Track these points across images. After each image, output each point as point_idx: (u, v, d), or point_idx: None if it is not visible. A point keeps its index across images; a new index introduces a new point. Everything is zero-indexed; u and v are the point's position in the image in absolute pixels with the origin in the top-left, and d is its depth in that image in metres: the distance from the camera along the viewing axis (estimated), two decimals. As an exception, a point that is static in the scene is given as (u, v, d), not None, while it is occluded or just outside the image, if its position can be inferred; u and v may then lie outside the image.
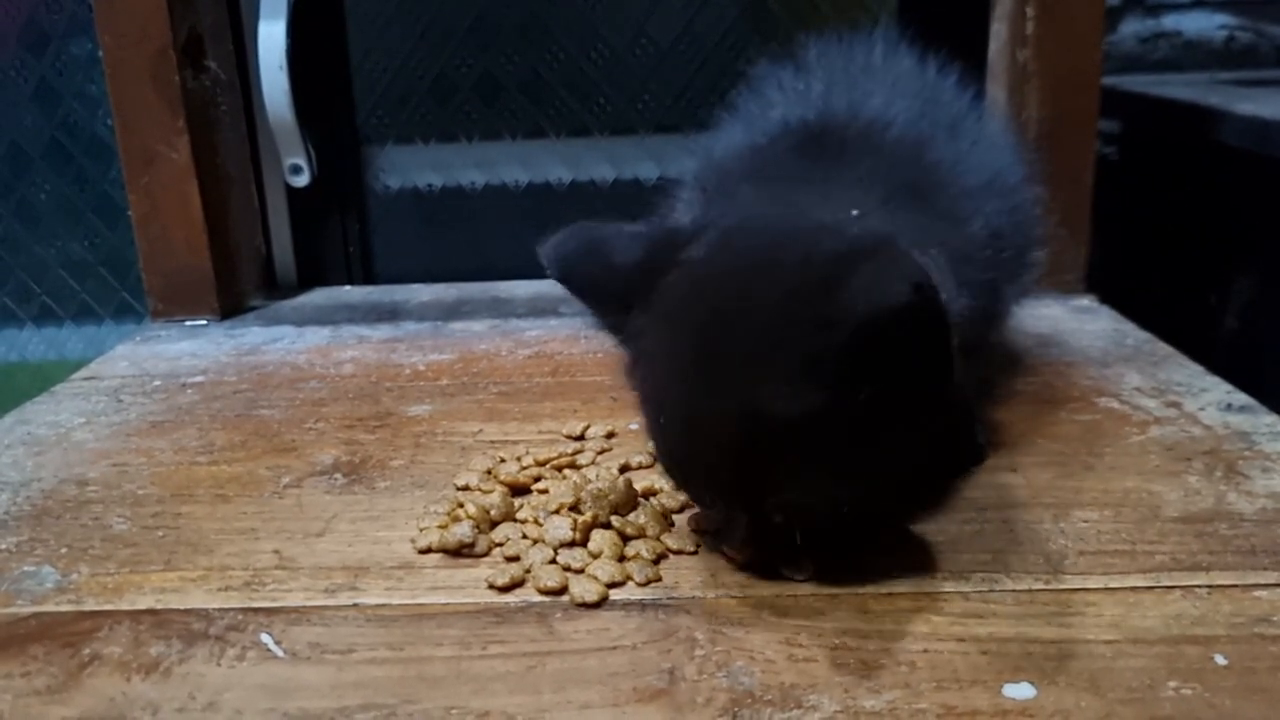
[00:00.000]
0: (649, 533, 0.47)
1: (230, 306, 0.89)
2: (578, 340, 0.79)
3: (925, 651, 0.39)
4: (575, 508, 0.49)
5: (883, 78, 0.56)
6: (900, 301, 0.36)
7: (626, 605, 0.43)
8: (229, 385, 0.71)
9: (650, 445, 0.48)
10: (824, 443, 0.39)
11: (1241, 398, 0.62)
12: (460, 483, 0.54)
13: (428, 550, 0.47)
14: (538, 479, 0.53)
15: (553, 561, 0.45)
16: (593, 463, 0.56)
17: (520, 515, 0.50)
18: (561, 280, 0.47)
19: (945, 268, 0.43)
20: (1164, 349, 0.72)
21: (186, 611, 0.43)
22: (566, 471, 0.55)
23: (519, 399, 0.67)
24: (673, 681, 0.37)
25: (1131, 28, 1.16)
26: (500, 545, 0.47)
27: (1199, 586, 0.43)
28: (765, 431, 0.39)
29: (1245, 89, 0.99)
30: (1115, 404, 0.62)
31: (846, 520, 0.42)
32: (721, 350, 0.40)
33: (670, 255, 0.44)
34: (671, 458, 0.44)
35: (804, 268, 0.40)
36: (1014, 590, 0.43)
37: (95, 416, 0.66)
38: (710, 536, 0.47)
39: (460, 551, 0.47)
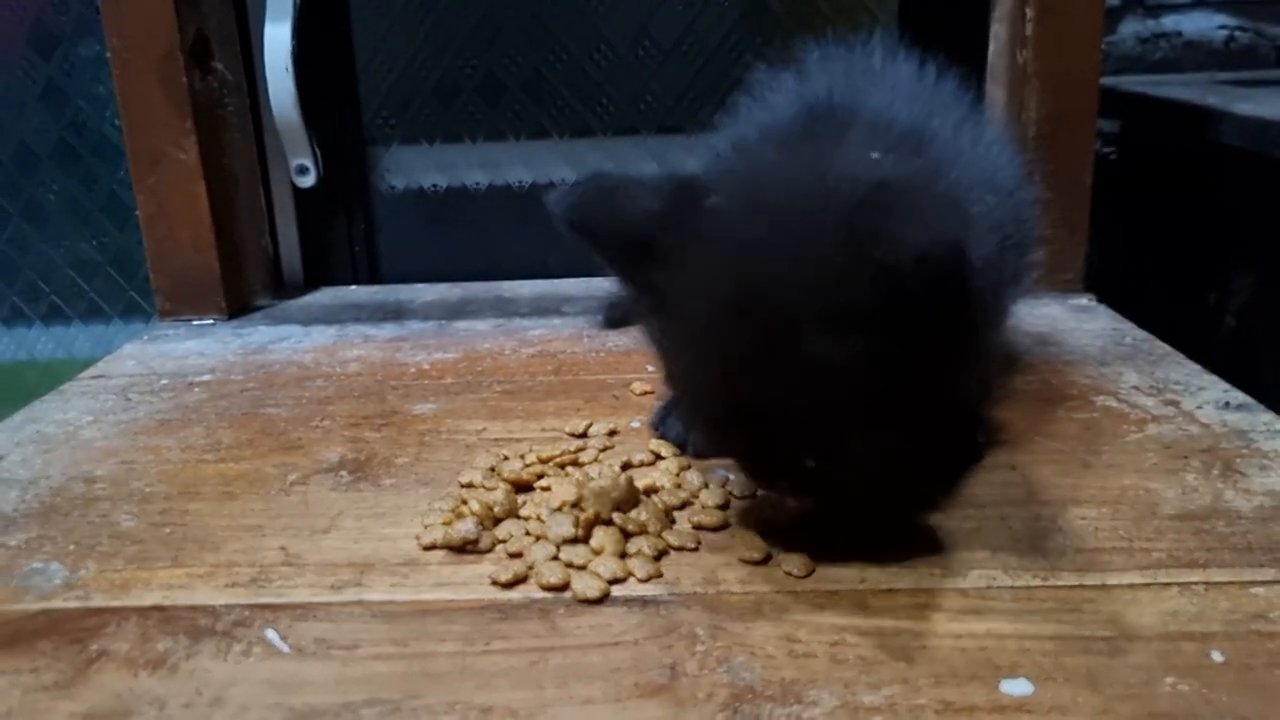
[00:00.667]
0: (650, 529, 0.48)
1: (237, 306, 0.89)
2: (580, 339, 0.79)
3: (924, 648, 0.39)
4: (578, 505, 0.49)
5: (882, 81, 0.57)
6: (946, 238, 0.36)
7: (628, 601, 0.43)
8: (236, 384, 0.72)
9: (666, 407, 0.51)
10: (867, 388, 0.39)
11: (1239, 396, 0.62)
12: (464, 480, 0.54)
13: (432, 547, 0.47)
14: (541, 476, 0.53)
15: (555, 558, 0.46)
16: (595, 460, 0.56)
17: (523, 512, 0.50)
18: (574, 230, 0.46)
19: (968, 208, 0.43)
20: (1162, 348, 0.72)
21: (193, 608, 0.44)
22: (569, 469, 0.55)
23: (522, 397, 0.67)
24: (674, 677, 0.38)
25: (1131, 28, 1.16)
26: (503, 542, 0.48)
27: (1196, 583, 0.43)
28: (811, 378, 0.39)
29: (1245, 89, 0.99)
30: (1113, 402, 0.63)
31: (877, 473, 0.43)
32: (762, 297, 0.40)
33: (690, 205, 0.44)
34: (700, 405, 0.44)
35: (840, 211, 0.39)
36: (1012, 587, 0.43)
37: (103, 415, 0.66)
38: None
39: (464, 548, 0.47)
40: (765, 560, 0.45)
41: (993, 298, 0.50)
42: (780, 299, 0.39)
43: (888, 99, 0.53)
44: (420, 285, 0.98)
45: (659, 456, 0.56)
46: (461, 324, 0.84)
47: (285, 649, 0.40)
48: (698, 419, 0.45)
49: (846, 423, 0.41)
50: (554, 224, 0.46)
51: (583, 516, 0.47)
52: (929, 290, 0.37)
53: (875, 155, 0.43)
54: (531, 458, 0.55)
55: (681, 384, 0.45)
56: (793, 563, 0.45)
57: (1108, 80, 0.85)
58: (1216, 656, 0.38)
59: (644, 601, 0.43)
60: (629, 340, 0.76)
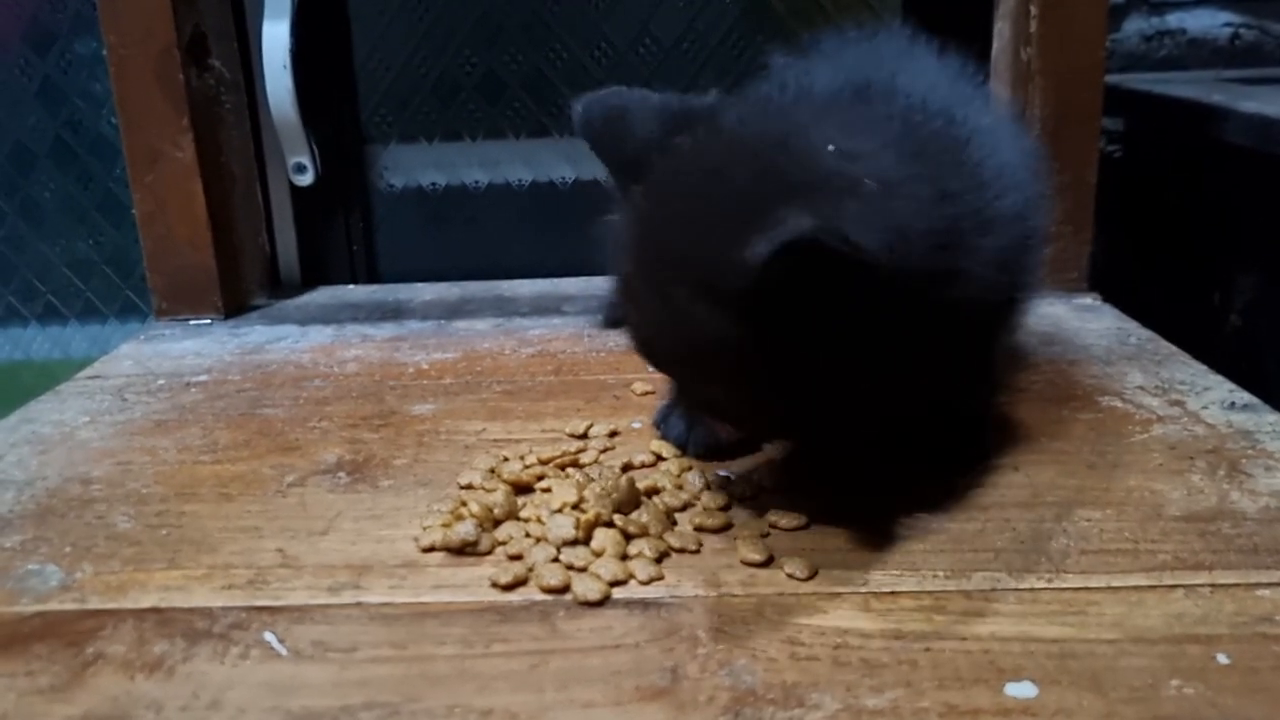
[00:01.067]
0: (651, 531, 0.47)
1: (234, 305, 0.89)
2: (581, 339, 0.79)
3: (927, 650, 0.39)
4: (578, 506, 0.49)
5: (901, 69, 0.56)
6: (795, 240, 0.37)
7: (629, 604, 0.43)
8: (233, 384, 0.71)
9: (667, 407, 0.54)
10: (726, 359, 0.43)
11: (1245, 396, 0.62)
12: (463, 481, 0.54)
13: (431, 549, 0.47)
14: (541, 478, 0.53)
15: (555, 560, 0.45)
16: (596, 461, 0.56)
17: (523, 514, 0.50)
18: (586, 140, 0.50)
19: (889, 208, 0.42)
20: (1167, 347, 0.72)
21: (190, 610, 0.43)
22: (569, 470, 0.55)
23: (522, 398, 0.67)
24: (675, 680, 0.38)
25: (1135, 25, 1.16)
26: (503, 544, 0.47)
27: (1202, 585, 0.43)
28: (675, 332, 0.44)
29: (1249, 87, 0.99)
30: (1118, 403, 0.62)
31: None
32: (659, 246, 0.44)
33: (673, 135, 0.47)
34: (627, 319, 0.48)
35: (737, 193, 0.42)
36: (1016, 589, 0.43)
37: (99, 415, 0.66)
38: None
39: (463, 550, 0.47)
40: (767, 562, 0.45)
41: (961, 294, 0.49)
42: (674, 253, 0.43)
43: (906, 85, 0.53)
44: (419, 284, 0.98)
45: (660, 458, 0.56)
46: (461, 324, 0.84)
47: (283, 651, 0.40)
48: (629, 338, 0.49)
49: (718, 379, 0.45)
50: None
51: (583, 518, 0.47)
52: (792, 280, 0.39)
53: (831, 148, 0.43)
54: (531, 459, 0.55)
55: (619, 299, 0.49)
56: (795, 565, 0.44)
57: (1112, 78, 0.84)
58: (1222, 659, 0.38)
59: (645, 604, 0.43)
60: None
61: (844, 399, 0.45)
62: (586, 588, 0.43)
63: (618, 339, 0.77)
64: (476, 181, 1.01)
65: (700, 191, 0.44)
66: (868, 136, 0.45)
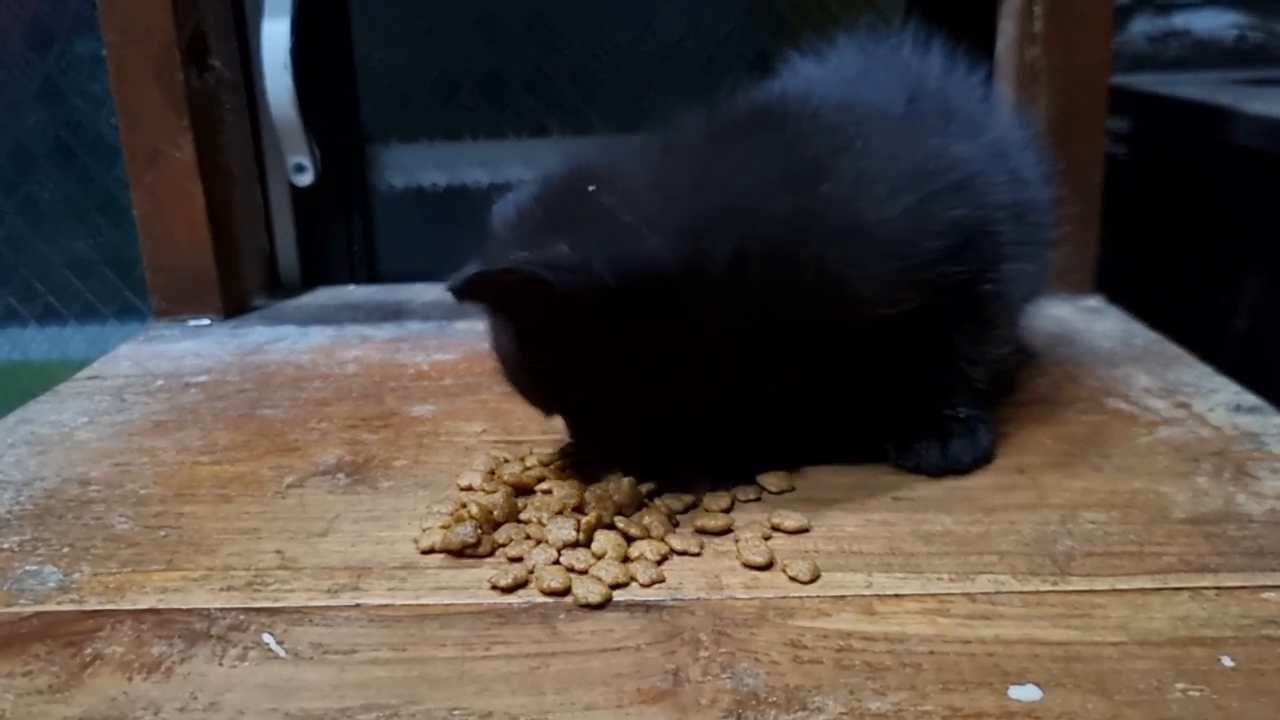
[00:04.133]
0: (653, 533, 0.47)
1: (233, 306, 0.88)
2: (582, 339, 0.78)
3: (931, 653, 0.39)
4: (579, 508, 0.49)
5: (904, 72, 0.56)
6: (492, 273, 0.46)
7: (630, 606, 0.42)
8: (232, 385, 0.71)
9: None
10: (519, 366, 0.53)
11: (1250, 399, 0.62)
12: (463, 483, 0.54)
13: (430, 551, 0.47)
14: (541, 479, 0.53)
15: (556, 562, 0.45)
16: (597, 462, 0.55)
17: (523, 516, 0.49)
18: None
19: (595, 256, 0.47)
20: (1173, 349, 0.72)
21: (188, 611, 0.43)
22: (570, 472, 0.54)
23: (523, 399, 0.66)
24: (677, 683, 0.37)
25: (1141, 26, 1.16)
26: (503, 546, 0.47)
27: (1207, 588, 0.43)
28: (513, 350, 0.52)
29: (1256, 88, 0.99)
30: (1123, 404, 0.62)
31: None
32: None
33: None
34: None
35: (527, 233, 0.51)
36: (1021, 592, 0.43)
37: (98, 416, 0.66)
38: None
39: (463, 552, 0.47)
40: (770, 565, 0.45)
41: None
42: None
43: (893, 89, 0.54)
44: (419, 285, 0.97)
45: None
46: (461, 324, 0.84)
47: (281, 653, 0.40)
48: None
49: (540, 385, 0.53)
50: None
51: (584, 520, 0.47)
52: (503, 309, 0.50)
53: (591, 188, 0.50)
54: (532, 460, 0.55)
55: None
56: (798, 567, 0.44)
57: (1118, 79, 0.84)
58: (1227, 662, 0.38)
59: (646, 606, 0.42)
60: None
61: (653, 396, 0.50)
62: (587, 590, 0.43)
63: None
64: (477, 181, 1.01)
65: (517, 227, 0.53)
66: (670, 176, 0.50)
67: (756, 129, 0.52)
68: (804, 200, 0.48)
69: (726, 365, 0.49)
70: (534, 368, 0.52)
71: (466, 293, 0.47)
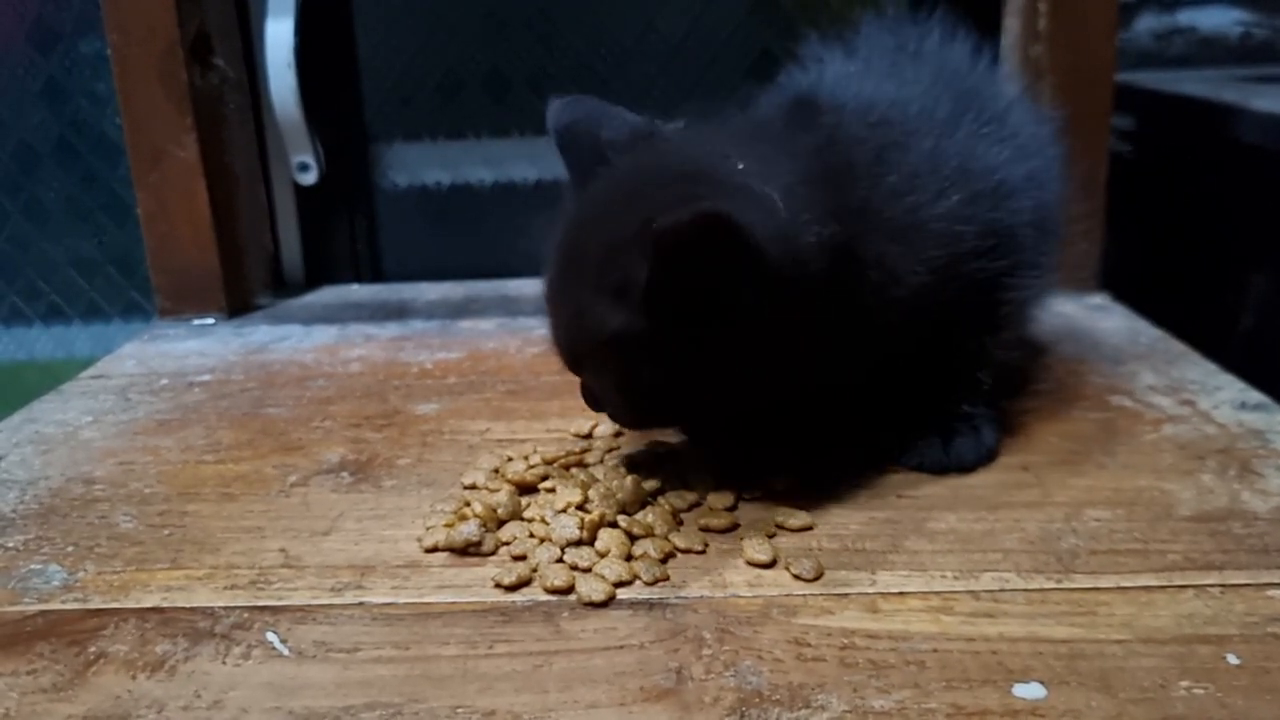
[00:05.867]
0: (656, 532, 0.47)
1: (238, 305, 0.88)
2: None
3: (935, 651, 0.39)
4: (582, 507, 0.49)
5: (925, 65, 0.56)
6: (686, 226, 0.40)
7: (634, 604, 0.42)
8: (236, 384, 0.71)
9: None
10: (627, 355, 0.46)
11: (1256, 396, 0.62)
12: (467, 481, 0.54)
13: (434, 549, 0.47)
14: (545, 478, 0.53)
15: (560, 560, 0.45)
16: (600, 461, 0.55)
17: (527, 514, 0.49)
18: (556, 138, 0.53)
19: (798, 220, 0.45)
20: (1178, 347, 0.72)
21: (192, 610, 0.43)
22: (574, 470, 0.54)
23: (527, 397, 0.66)
24: (680, 681, 0.37)
25: (1146, 23, 1.15)
26: (507, 544, 0.47)
27: (1212, 586, 0.42)
28: (587, 335, 0.46)
29: (1261, 85, 0.98)
30: (1129, 402, 0.62)
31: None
32: (579, 252, 0.47)
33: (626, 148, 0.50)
34: (546, 320, 0.50)
35: (646, 200, 0.45)
36: (1025, 589, 0.43)
37: (103, 415, 0.66)
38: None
39: (467, 550, 0.47)
40: (773, 563, 0.45)
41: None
42: (585, 254, 0.46)
43: (917, 87, 0.54)
44: (423, 284, 0.97)
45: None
46: (465, 323, 0.84)
47: (285, 652, 0.40)
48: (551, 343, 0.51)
49: (602, 377, 0.49)
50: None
51: (588, 518, 0.47)
52: (691, 278, 0.42)
53: (740, 165, 0.46)
54: (536, 459, 0.55)
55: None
56: (802, 565, 0.44)
57: (1122, 76, 0.84)
58: (1232, 660, 0.38)
59: (650, 604, 0.42)
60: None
61: (734, 390, 0.48)
62: (591, 588, 0.43)
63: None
64: (481, 180, 1.01)
65: (616, 199, 0.47)
66: (777, 159, 0.47)
67: (811, 124, 0.51)
68: (869, 194, 0.48)
69: (804, 359, 0.48)
70: (675, 355, 0.46)
71: (686, 236, 0.41)
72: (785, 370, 0.48)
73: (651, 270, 0.42)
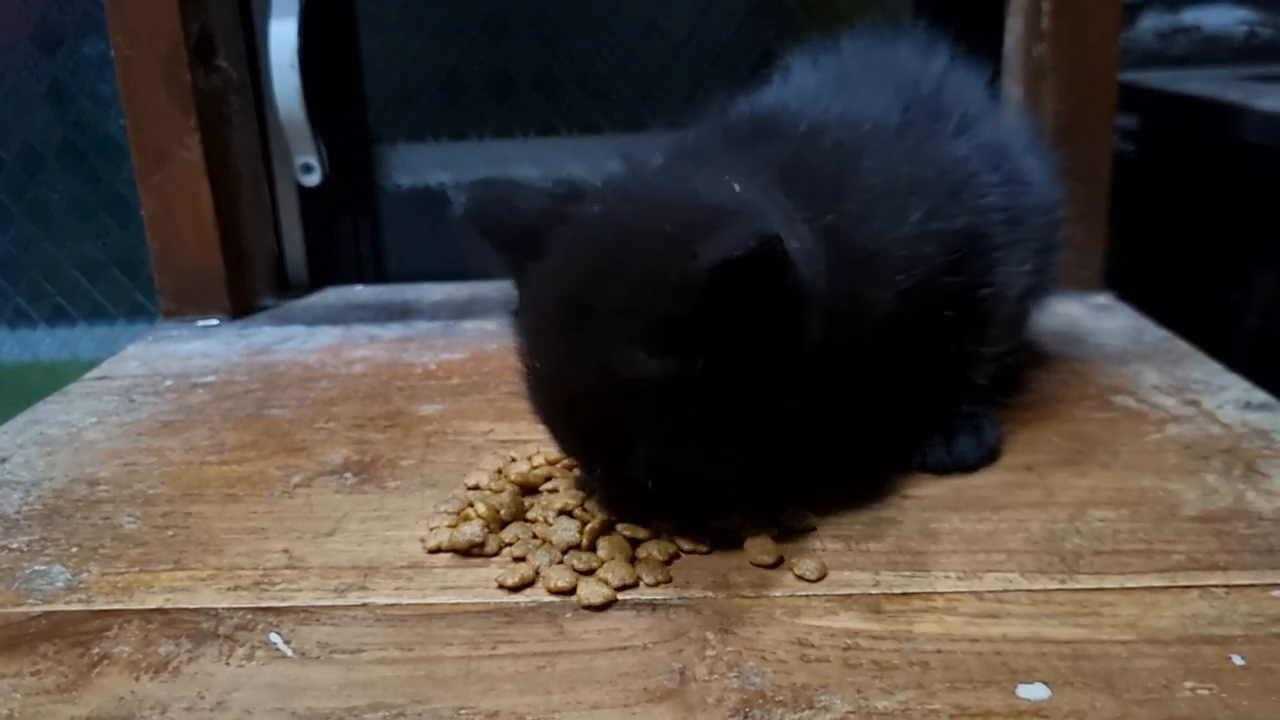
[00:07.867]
0: (660, 533, 0.47)
1: (241, 306, 0.89)
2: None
3: (939, 652, 0.39)
4: (585, 508, 0.48)
5: (899, 75, 0.56)
6: (742, 253, 0.38)
7: (637, 605, 0.42)
8: (240, 385, 0.71)
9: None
10: (673, 405, 0.42)
11: (1261, 396, 0.62)
12: (470, 482, 0.54)
13: (437, 550, 0.47)
14: (548, 478, 0.53)
15: (563, 561, 0.45)
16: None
17: (530, 515, 0.49)
18: (467, 219, 0.49)
19: (811, 242, 0.44)
20: (1182, 346, 0.71)
21: (196, 611, 0.43)
22: (577, 471, 0.54)
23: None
24: (683, 682, 0.37)
25: (1150, 22, 1.15)
26: (510, 545, 0.47)
27: (1216, 586, 0.42)
28: (619, 392, 0.42)
29: (1266, 84, 0.98)
30: (1132, 402, 0.62)
31: (703, 479, 0.46)
32: (588, 309, 0.42)
33: (568, 207, 0.46)
34: (540, 408, 0.47)
35: (663, 238, 0.41)
36: (1029, 590, 0.42)
37: (106, 416, 0.66)
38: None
39: (470, 551, 0.47)
40: (777, 564, 0.45)
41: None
42: (599, 317, 0.42)
43: (893, 97, 0.53)
44: (427, 285, 0.97)
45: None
46: (469, 324, 0.84)
47: (288, 653, 0.40)
48: (537, 416, 0.47)
49: (659, 438, 0.43)
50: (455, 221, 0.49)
51: (588, 527, 0.46)
52: (742, 310, 0.40)
53: (736, 187, 0.44)
54: (539, 459, 0.55)
55: (526, 381, 0.47)
56: (805, 566, 0.44)
57: (1126, 75, 0.83)
58: (1237, 660, 0.38)
59: (653, 605, 0.42)
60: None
61: (788, 415, 0.45)
62: (593, 591, 0.43)
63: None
64: (484, 181, 1.01)
65: (620, 243, 0.43)
66: (754, 178, 0.46)
67: (772, 141, 0.50)
68: (831, 221, 0.47)
69: (836, 378, 0.47)
70: (732, 389, 0.42)
71: (740, 261, 0.38)
72: (825, 391, 0.47)
73: (703, 301, 0.39)
